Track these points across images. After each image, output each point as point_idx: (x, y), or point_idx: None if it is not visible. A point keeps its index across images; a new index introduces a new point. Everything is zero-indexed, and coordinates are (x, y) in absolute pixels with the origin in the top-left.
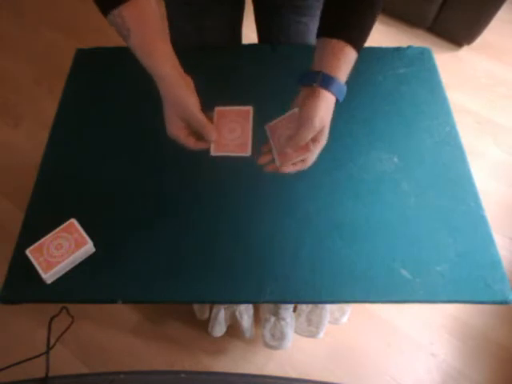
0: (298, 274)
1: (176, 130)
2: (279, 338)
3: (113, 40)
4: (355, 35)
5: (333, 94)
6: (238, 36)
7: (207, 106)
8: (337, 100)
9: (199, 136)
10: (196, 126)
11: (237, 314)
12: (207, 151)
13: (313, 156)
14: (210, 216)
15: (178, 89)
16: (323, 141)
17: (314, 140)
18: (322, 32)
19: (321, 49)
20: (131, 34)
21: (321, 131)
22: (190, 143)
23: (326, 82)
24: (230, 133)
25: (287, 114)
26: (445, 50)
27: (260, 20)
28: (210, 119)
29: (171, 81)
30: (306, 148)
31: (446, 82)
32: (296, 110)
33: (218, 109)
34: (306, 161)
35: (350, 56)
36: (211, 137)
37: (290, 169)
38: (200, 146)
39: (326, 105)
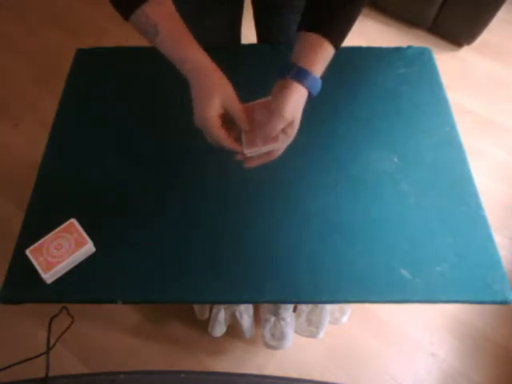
0: (298, 273)
1: (212, 114)
2: (279, 338)
3: (113, 40)
4: (335, 31)
5: (305, 87)
6: (237, 36)
7: None
8: (310, 94)
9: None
10: (233, 111)
11: (237, 314)
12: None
13: (280, 148)
14: (210, 216)
15: (216, 74)
16: (292, 133)
17: (283, 132)
18: (303, 26)
19: (300, 42)
20: (159, 28)
21: (290, 124)
22: (222, 136)
23: (300, 75)
24: (258, 128)
25: (262, 99)
26: (445, 50)
27: (260, 20)
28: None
29: (208, 67)
30: (274, 139)
31: (446, 82)
32: (269, 97)
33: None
34: (273, 153)
35: (327, 52)
36: (245, 126)
37: (255, 163)
38: (232, 144)
39: (296, 97)
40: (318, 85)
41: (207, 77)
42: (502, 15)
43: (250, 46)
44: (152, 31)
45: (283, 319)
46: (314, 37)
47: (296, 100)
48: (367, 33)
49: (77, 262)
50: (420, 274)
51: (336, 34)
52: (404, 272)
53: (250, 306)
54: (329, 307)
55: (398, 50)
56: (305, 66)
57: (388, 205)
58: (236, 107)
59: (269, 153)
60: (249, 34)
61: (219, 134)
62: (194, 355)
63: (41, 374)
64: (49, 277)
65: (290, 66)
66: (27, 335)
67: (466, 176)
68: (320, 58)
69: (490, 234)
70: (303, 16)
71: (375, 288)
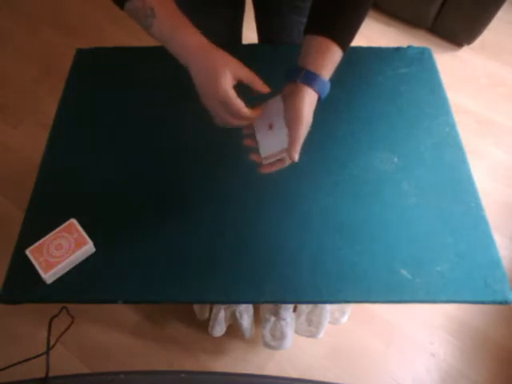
0: (298, 274)
1: (227, 84)
2: (279, 338)
3: (113, 40)
4: (342, 34)
5: (315, 90)
6: (238, 37)
7: None
8: (319, 97)
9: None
10: (247, 76)
11: (237, 314)
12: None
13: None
14: (210, 216)
15: (219, 50)
16: (303, 136)
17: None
18: (310, 29)
19: (307, 46)
20: (156, 11)
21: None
22: (239, 104)
23: (309, 78)
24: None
25: (271, 100)
26: (445, 50)
27: (261, 21)
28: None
29: (210, 45)
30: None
31: (446, 82)
32: (279, 97)
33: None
34: (284, 160)
35: (335, 54)
36: (263, 87)
37: (270, 169)
38: (250, 113)
39: (309, 101)
40: (327, 88)
41: (212, 53)
42: (501, 15)
43: (250, 45)
44: (149, 14)
45: (283, 319)
46: (322, 40)
47: (308, 103)
48: (367, 33)
49: (77, 262)
50: (420, 273)
51: (343, 36)
52: (404, 272)
53: (250, 306)
54: (329, 307)
55: (397, 49)
56: (314, 70)
57: (388, 205)
58: (249, 72)
59: (282, 160)
60: (249, 34)
61: (237, 102)
62: (193, 355)
63: (41, 374)
64: (49, 277)
65: (299, 70)
66: (27, 335)
67: (466, 176)
68: (328, 61)
69: (489, 234)
70: (309, 19)
71: (375, 288)
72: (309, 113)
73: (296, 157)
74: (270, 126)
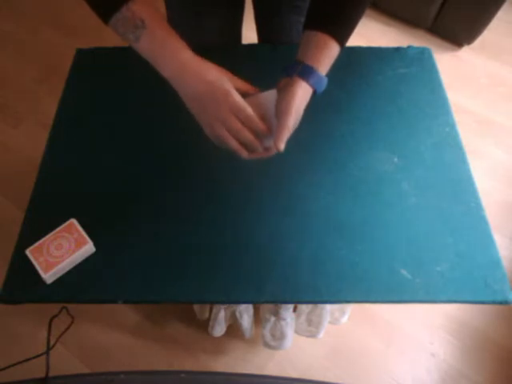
0: (298, 274)
1: (236, 93)
2: (279, 338)
3: (113, 40)
4: (341, 30)
5: (310, 84)
6: (237, 37)
7: None
8: (315, 92)
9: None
10: (245, 89)
11: (237, 314)
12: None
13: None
14: (210, 216)
15: (212, 64)
16: (292, 128)
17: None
18: (308, 25)
19: (305, 41)
20: (146, 23)
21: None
22: (250, 110)
23: (305, 72)
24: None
25: (265, 92)
26: (445, 50)
27: (260, 21)
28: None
29: (202, 60)
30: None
31: (446, 82)
32: (273, 90)
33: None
34: (270, 150)
35: (333, 50)
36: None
37: (254, 155)
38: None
39: (301, 94)
40: (324, 82)
41: (208, 64)
42: (501, 15)
43: (250, 45)
44: (139, 25)
45: (283, 319)
46: (320, 35)
47: (300, 97)
48: (367, 33)
49: (77, 262)
50: (420, 273)
51: (341, 32)
52: (404, 272)
53: (250, 306)
54: (329, 307)
55: (398, 50)
56: (311, 64)
57: (388, 205)
58: (243, 81)
59: (268, 149)
60: (249, 34)
61: (249, 107)
62: (194, 355)
63: (41, 374)
64: (49, 277)
65: (296, 64)
66: (27, 335)
67: (466, 176)
68: (325, 56)
69: (489, 234)
70: (308, 15)
71: (375, 288)
72: (299, 105)
73: (282, 146)
74: (261, 118)
